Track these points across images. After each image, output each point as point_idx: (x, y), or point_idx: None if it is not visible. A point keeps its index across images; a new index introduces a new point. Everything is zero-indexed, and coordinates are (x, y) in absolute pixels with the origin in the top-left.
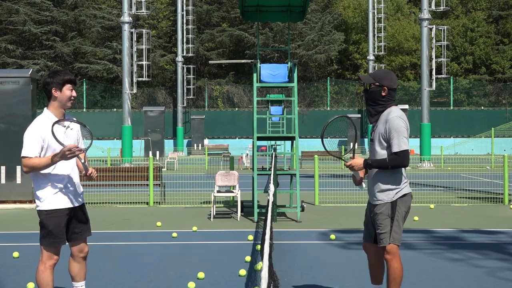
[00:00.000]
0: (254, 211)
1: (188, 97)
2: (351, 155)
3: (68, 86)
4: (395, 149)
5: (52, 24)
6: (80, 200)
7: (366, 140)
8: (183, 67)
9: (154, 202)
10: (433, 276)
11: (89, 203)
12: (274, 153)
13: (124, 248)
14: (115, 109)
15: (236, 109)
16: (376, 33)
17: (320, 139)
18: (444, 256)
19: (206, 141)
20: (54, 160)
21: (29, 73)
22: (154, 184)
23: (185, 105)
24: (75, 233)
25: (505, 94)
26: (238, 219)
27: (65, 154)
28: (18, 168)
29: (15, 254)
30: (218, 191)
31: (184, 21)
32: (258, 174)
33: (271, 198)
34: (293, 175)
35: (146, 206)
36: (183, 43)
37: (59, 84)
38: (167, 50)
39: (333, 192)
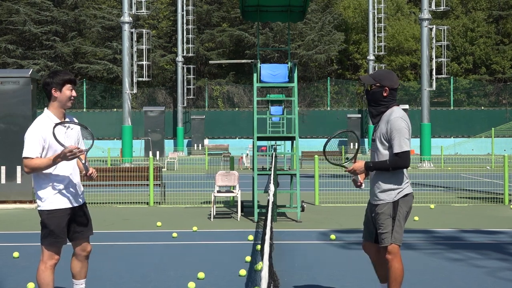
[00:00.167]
0: (254, 211)
1: (188, 97)
2: (352, 162)
3: (68, 86)
4: (396, 150)
5: (52, 24)
6: (81, 200)
7: (366, 140)
8: (183, 67)
9: (154, 202)
10: (433, 276)
11: (89, 203)
12: (274, 153)
13: (124, 248)
14: (115, 109)
15: (236, 109)
16: (376, 33)
17: (324, 145)
18: (444, 256)
19: (206, 141)
20: (55, 160)
21: (29, 73)
22: (154, 184)
23: (185, 105)
24: (76, 232)
25: (505, 94)
26: (238, 219)
27: (66, 155)
28: (18, 168)
29: (15, 254)
30: (218, 191)
31: (184, 21)
32: (258, 174)
33: (271, 198)
34: (293, 175)
35: (146, 206)
36: (183, 43)
37: (59, 84)
38: (167, 50)
39: (333, 192)
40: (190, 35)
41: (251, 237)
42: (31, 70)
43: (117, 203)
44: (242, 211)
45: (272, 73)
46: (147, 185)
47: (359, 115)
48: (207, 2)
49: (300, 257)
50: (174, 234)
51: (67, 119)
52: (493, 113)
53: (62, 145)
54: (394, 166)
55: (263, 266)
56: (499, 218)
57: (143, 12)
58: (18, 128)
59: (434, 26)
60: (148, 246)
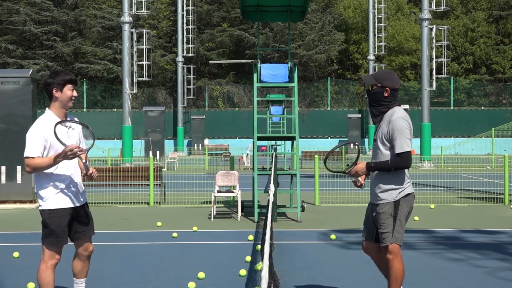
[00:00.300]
0: (255, 211)
1: (188, 97)
2: (351, 168)
3: (69, 86)
4: (398, 150)
5: (52, 24)
6: (82, 199)
7: (366, 140)
8: (183, 67)
9: (154, 202)
10: (433, 276)
11: (89, 203)
12: (274, 153)
13: (124, 248)
14: (115, 109)
15: (237, 109)
16: (376, 33)
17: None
18: (445, 256)
19: (206, 141)
20: (56, 160)
21: (29, 73)
22: (154, 184)
23: (185, 105)
24: (78, 232)
25: (506, 94)
26: (239, 219)
27: (67, 154)
28: (19, 168)
29: (15, 254)
30: (219, 191)
31: (185, 21)
32: (258, 174)
33: (271, 198)
34: (293, 175)
35: (147, 206)
36: (183, 43)
37: (60, 85)
38: (167, 50)
39: (333, 192)
40: (190, 35)
41: (251, 237)
42: (31, 70)
43: (117, 203)
44: (242, 211)
45: (272, 73)
46: (147, 185)
47: (359, 115)
48: (207, 2)
49: (300, 257)
50: (174, 234)
51: (68, 119)
52: (493, 113)
53: (63, 143)
54: (396, 166)
55: (263, 266)
56: (499, 218)
57: (143, 12)
58: (18, 128)
59: (434, 26)
60: (148, 246)
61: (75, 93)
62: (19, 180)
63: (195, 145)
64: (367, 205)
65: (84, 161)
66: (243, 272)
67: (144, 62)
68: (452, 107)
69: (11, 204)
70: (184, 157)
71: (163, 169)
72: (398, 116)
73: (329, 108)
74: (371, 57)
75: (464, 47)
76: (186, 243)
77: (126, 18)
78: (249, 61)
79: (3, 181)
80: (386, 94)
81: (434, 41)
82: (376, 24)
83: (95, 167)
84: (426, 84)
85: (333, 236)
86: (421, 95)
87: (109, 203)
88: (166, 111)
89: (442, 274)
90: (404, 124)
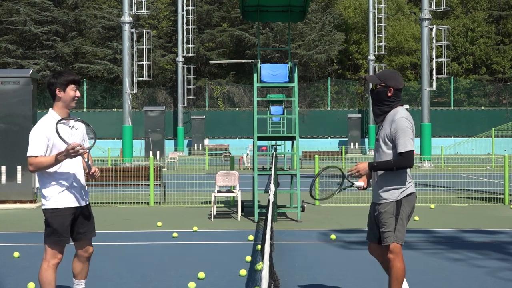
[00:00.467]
0: (255, 211)
1: (188, 97)
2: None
3: (71, 86)
4: (401, 149)
5: (52, 24)
6: (86, 199)
7: (366, 140)
8: (183, 67)
9: (154, 202)
10: (433, 276)
11: (90, 203)
12: (274, 153)
13: (124, 248)
14: (115, 109)
15: (237, 109)
16: (376, 33)
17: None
18: (445, 256)
19: (206, 141)
20: (58, 158)
21: (30, 73)
22: (154, 184)
23: (185, 105)
24: (80, 233)
25: (506, 94)
26: (239, 219)
27: (69, 153)
28: (19, 168)
29: (16, 254)
30: (219, 191)
31: (185, 21)
32: (258, 174)
33: (271, 198)
34: (293, 175)
35: (147, 206)
36: (183, 43)
37: (63, 85)
38: (167, 50)
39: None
40: (191, 35)
41: (251, 237)
42: (31, 70)
43: (117, 203)
44: (242, 211)
45: (272, 73)
46: (148, 185)
47: (359, 115)
48: (207, 2)
49: (301, 257)
50: (175, 234)
51: (70, 117)
52: (493, 113)
53: (65, 141)
54: (398, 166)
55: (264, 266)
56: (499, 218)
57: (143, 12)
58: (18, 128)
59: (434, 26)
60: (148, 246)
61: (78, 93)
62: (19, 180)
63: (195, 145)
64: (367, 205)
65: (86, 160)
66: (243, 272)
67: (144, 62)
68: (452, 107)
69: (11, 204)
70: (184, 157)
71: (163, 169)
72: (401, 116)
73: (329, 108)
74: (371, 57)
75: (464, 47)
76: (186, 243)
77: (126, 18)
78: (249, 61)
79: (3, 181)
80: (389, 94)
81: (434, 41)
82: (376, 24)
83: (96, 167)
84: (426, 84)
85: (333, 236)
86: (421, 95)
87: (109, 203)
88: (166, 111)
89: (442, 274)
90: (407, 124)
